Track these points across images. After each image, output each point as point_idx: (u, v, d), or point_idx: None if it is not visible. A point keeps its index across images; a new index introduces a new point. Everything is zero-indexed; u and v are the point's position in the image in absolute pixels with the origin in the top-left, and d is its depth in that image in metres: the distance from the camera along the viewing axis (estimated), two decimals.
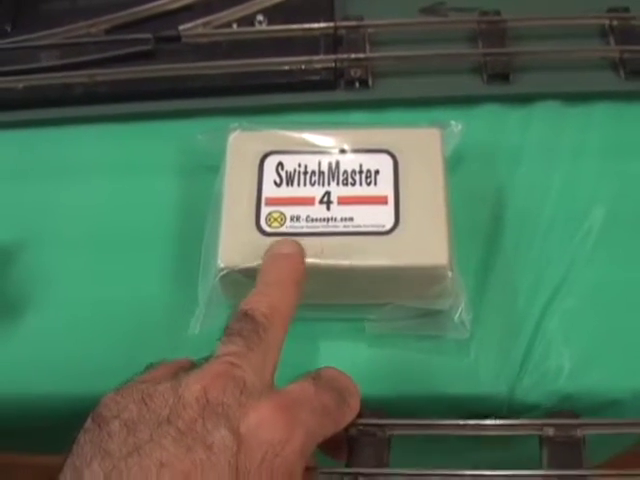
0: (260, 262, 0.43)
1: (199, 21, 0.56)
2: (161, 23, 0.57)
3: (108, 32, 0.57)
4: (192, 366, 0.37)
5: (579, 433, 0.40)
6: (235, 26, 0.57)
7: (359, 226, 0.44)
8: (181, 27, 0.56)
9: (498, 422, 0.41)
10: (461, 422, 0.41)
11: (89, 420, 0.34)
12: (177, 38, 0.56)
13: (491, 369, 0.45)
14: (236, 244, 0.44)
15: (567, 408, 0.44)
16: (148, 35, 0.56)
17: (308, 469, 0.36)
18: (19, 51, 0.56)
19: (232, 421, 0.33)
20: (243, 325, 0.37)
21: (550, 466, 0.40)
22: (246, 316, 0.37)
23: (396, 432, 0.41)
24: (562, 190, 0.51)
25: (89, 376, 0.46)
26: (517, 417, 0.45)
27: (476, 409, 0.46)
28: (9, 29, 0.58)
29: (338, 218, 0.45)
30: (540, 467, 0.40)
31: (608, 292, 0.47)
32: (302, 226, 0.44)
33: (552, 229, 0.49)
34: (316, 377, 0.37)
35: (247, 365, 0.35)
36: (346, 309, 0.46)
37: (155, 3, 0.57)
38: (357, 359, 0.46)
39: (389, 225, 0.44)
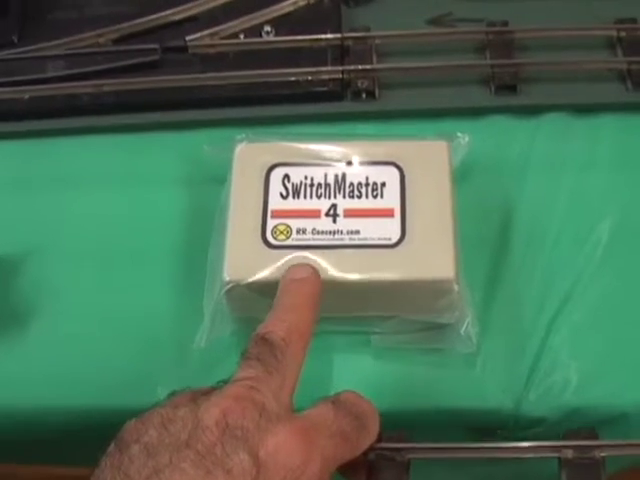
0: (266, 275, 0.43)
1: (206, 32, 0.56)
2: (168, 33, 0.57)
3: (115, 42, 0.57)
4: (210, 390, 0.37)
5: (598, 455, 0.40)
6: (242, 37, 0.56)
7: (365, 239, 0.44)
8: (188, 38, 0.56)
9: (517, 445, 0.41)
10: (478, 445, 0.41)
11: (112, 445, 0.34)
12: (184, 49, 0.56)
13: (497, 383, 0.45)
14: (242, 257, 0.44)
15: (575, 422, 0.44)
16: (155, 45, 0.56)
17: None
18: (25, 61, 0.56)
19: (251, 445, 0.33)
20: (261, 349, 0.37)
21: None
22: (264, 340, 0.37)
23: (415, 456, 0.40)
24: (569, 203, 0.50)
25: (94, 389, 0.46)
26: (524, 431, 0.45)
27: (482, 423, 0.45)
28: (16, 39, 0.58)
29: (344, 231, 0.44)
30: None
31: (615, 306, 0.47)
32: (308, 239, 0.44)
33: (559, 242, 0.49)
34: (335, 401, 0.37)
35: (266, 389, 0.35)
36: (352, 322, 0.46)
37: (162, 13, 0.57)
38: (362, 372, 0.46)
39: (395, 238, 0.44)
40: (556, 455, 0.40)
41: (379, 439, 0.39)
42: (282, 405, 0.35)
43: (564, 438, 0.41)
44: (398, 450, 0.40)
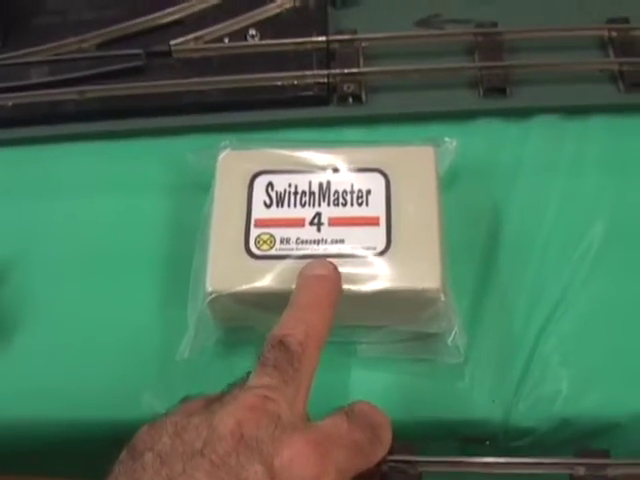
0: (249, 286, 0.43)
1: (190, 36, 0.55)
2: (152, 38, 0.56)
3: (98, 47, 0.56)
4: (223, 396, 0.36)
5: (610, 473, 0.39)
6: (227, 41, 0.56)
7: (350, 248, 0.43)
8: (172, 42, 0.55)
9: (529, 460, 0.40)
10: (491, 460, 0.40)
11: (124, 452, 0.34)
12: (168, 53, 0.55)
13: (486, 393, 0.44)
14: (225, 268, 0.44)
15: (565, 433, 0.44)
16: (139, 50, 0.55)
17: None
18: (9, 68, 0.56)
19: (266, 456, 0.33)
20: (278, 355, 0.36)
21: None
22: (281, 345, 0.37)
23: (427, 469, 0.40)
24: (560, 207, 0.50)
25: (77, 400, 0.46)
26: (514, 441, 0.45)
27: (471, 434, 0.45)
28: None
29: (329, 240, 0.44)
30: None
31: (606, 313, 0.46)
32: (292, 248, 0.44)
33: (549, 247, 0.48)
34: (349, 412, 0.37)
35: (282, 399, 0.35)
36: (338, 332, 0.45)
37: (145, 18, 0.56)
38: (349, 382, 0.45)
39: (381, 247, 0.43)
40: (568, 472, 0.40)
41: (391, 450, 0.39)
42: (297, 415, 0.35)
43: (577, 455, 0.40)
44: (410, 463, 0.40)
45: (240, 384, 0.37)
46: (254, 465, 0.32)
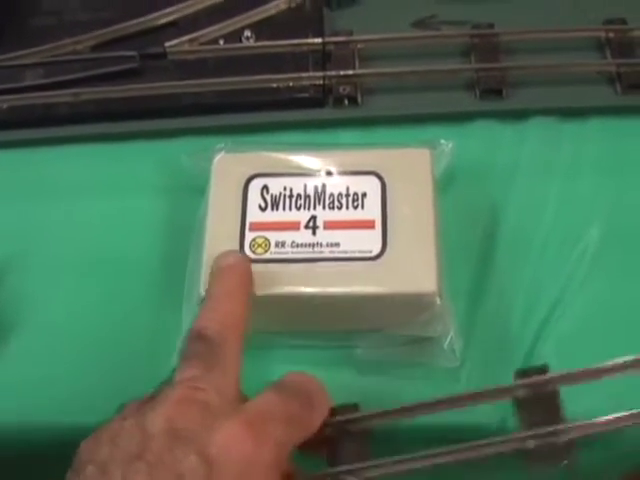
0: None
1: (185, 37, 0.55)
2: (147, 40, 0.56)
3: (93, 49, 0.56)
4: (154, 395, 0.36)
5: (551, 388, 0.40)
6: (222, 42, 0.56)
7: (345, 252, 0.43)
8: (167, 44, 0.55)
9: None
10: (432, 400, 0.40)
11: (68, 472, 0.35)
12: (163, 55, 0.55)
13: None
14: None
15: None
16: (133, 52, 0.55)
17: (289, 476, 0.36)
18: (3, 70, 0.56)
19: (200, 445, 0.33)
20: (198, 346, 0.37)
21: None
22: (200, 337, 0.37)
23: (369, 424, 0.40)
24: (557, 209, 0.49)
25: (68, 405, 0.45)
26: None
27: (468, 438, 0.44)
28: None
29: (324, 243, 0.43)
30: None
31: (604, 314, 0.46)
32: (287, 252, 0.43)
33: (546, 249, 0.48)
34: (279, 386, 0.37)
35: (209, 387, 0.35)
36: (334, 336, 0.45)
37: (140, 19, 0.56)
38: (345, 387, 0.44)
39: (376, 250, 0.43)
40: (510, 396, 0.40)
41: (332, 413, 0.39)
42: (227, 400, 0.35)
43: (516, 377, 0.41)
44: (354, 421, 0.40)
45: (168, 382, 0.37)
46: (189, 456, 0.32)
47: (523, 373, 0.41)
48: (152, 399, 0.36)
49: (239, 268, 0.41)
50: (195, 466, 0.32)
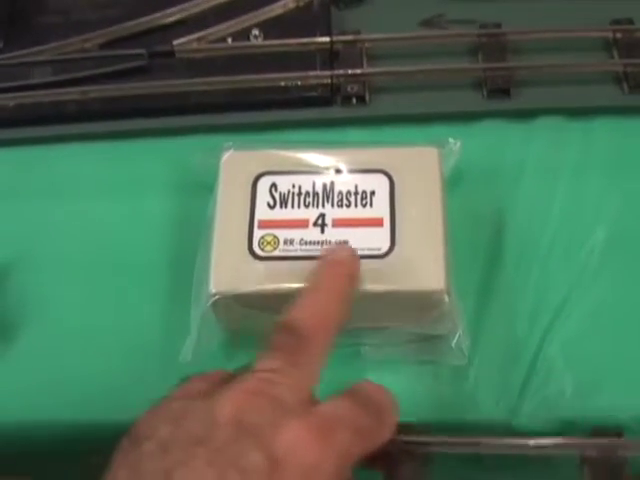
0: (253, 287, 0.42)
1: (193, 36, 0.55)
2: (155, 38, 0.56)
3: (101, 47, 0.56)
4: (228, 378, 0.35)
5: (622, 454, 0.39)
6: (230, 41, 0.56)
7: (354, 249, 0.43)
8: (175, 42, 0.55)
9: (540, 441, 0.40)
10: (501, 441, 0.40)
11: (124, 439, 0.34)
12: (171, 53, 0.55)
13: (491, 395, 0.44)
14: (228, 269, 0.43)
15: (570, 434, 0.43)
16: (142, 50, 0.55)
17: None
18: (11, 68, 0.56)
19: (266, 443, 0.32)
20: (286, 338, 0.35)
21: None
22: (290, 328, 0.36)
23: (436, 449, 0.40)
24: (564, 209, 0.49)
25: (78, 403, 0.45)
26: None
27: (475, 435, 0.44)
28: (1, 45, 0.57)
29: (333, 241, 0.43)
30: None
31: (611, 315, 0.46)
32: (296, 249, 0.43)
33: (554, 249, 0.48)
34: (353, 394, 0.36)
35: (285, 383, 0.34)
36: (342, 334, 0.45)
37: (148, 17, 0.56)
38: (352, 384, 0.45)
39: (385, 248, 0.43)
40: (579, 453, 0.40)
41: (397, 431, 0.38)
42: (300, 399, 0.34)
43: (590, 436, 0.40)
44: (419, 444, 0.40)
45: (247, 367, 0.36)
46: (254, 453, 0.32)
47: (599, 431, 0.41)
48: (224, 383, 0.35)
49: (347, 265, 0.40)
50: (258, 463, 0.31)
